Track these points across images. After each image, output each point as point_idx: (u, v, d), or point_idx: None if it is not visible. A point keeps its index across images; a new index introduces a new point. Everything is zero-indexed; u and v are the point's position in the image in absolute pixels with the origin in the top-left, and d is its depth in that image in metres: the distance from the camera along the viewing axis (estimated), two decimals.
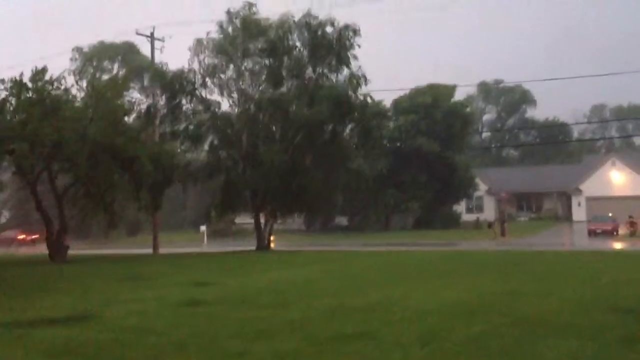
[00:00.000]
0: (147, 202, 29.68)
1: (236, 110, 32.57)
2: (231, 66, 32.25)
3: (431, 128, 53.94)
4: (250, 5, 31.73)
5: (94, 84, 29.56)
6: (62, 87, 26.51)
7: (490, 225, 45.48)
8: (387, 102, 51.81)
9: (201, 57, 32.09)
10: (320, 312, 9.76)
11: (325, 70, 32.14)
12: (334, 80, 32.28)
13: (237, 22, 31.69)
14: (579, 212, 59.52)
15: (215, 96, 32.56)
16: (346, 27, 31.32)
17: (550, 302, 10.48)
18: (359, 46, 31.59)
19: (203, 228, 44.83)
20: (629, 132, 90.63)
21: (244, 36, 31.51)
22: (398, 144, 54.84)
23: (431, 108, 54.99)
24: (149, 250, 34.31)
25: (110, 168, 25.50)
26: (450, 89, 58.32)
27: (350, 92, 31.68)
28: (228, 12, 31.83)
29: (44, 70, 25.69)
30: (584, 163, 66.39)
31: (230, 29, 31.92)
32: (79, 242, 44.23)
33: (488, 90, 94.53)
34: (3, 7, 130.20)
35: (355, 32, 31.37)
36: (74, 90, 27.69)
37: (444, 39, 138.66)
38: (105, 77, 49.17)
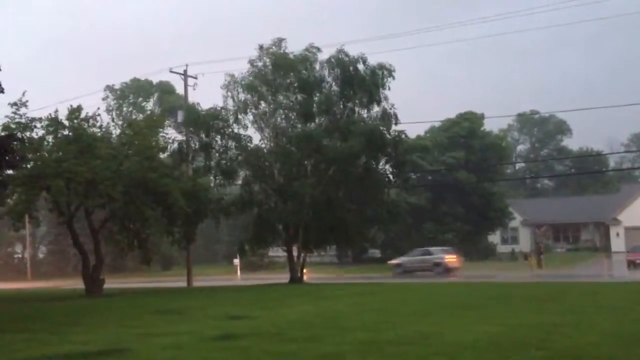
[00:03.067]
0: (181, 236, 29.96)
1: (268, 144, 32.87)
2: (263, 102, 32.61)
3: (468, 160, 53.89)
4: (280, 40, 32.19)
5: (130, 121, 30.18)
6: (98, 125, 27.17)
7: (526, 256, 44.86)
8: (420, 130, 52.36)
9: (233, 93, 32.58)
10: (353, 346, 9.66)
11: (357, 107, 32.28)
12: (365, 116, 32.41)
13: (267, 58, 32.08)
14: (617, 243, 58.25)
15: (247, 131, 32.95)
16: (380, 66, 31.46)
17: (589, 335, 10.24)
18: (389, 88, 31.73)
19: (236, 261, 44.99)
20: None
21: (274, 72, 31.87)
22: (430, 177, 54.83)
23: (469, 139, 55.04)
24: (183, 284, 34.49)
25: (144, 203, 25.82)
26: (480, 119, 58.22)
27: (382, 128, 31.74)
28: (260, 48, 32.31)
29: (79, 108, 26.37)
30: (621, 192, 65.17)
31: (261, 64, 32.35)
32: (114, 276, 44.70)
33: (524, 121, 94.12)
34: (39, 47, 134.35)
35: (390, 71, 31.47)
36: (109, 128, 28.38)
37: (480, 69, 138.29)
38: (140, 114, 50.18)
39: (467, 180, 52.66)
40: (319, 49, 32.11)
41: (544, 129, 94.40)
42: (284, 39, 32.25)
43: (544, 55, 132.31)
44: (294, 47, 32.53)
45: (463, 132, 55.91)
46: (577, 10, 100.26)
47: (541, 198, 78.74)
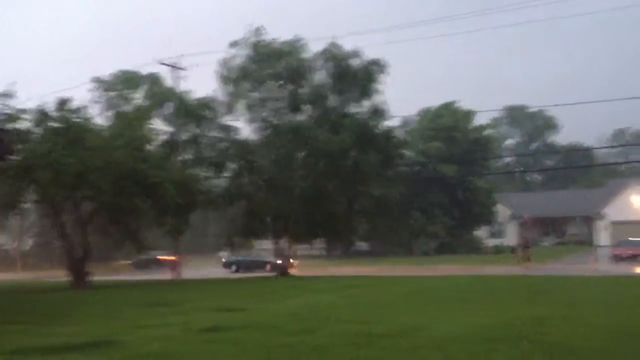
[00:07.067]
0: (171, 227, 29.85)
1: (257, 136, 32.83)
2: (250, 93, 32.52)
3: (452, 153, 53.94)
4: (259, 29, 31.90)
5: (119, 113, 30.04)
6: (86, 116, 27.00)
7: (513, 250, 45.06)
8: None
9: (220, 86, 32.47)
10: (345, 338, 9.66)
11: (349, 100, 32.27)
12: (356, 111, 32.43)
13: (248, 48, 31.85)
14: (603, 237, 58.78)
15: (236, 123, 32.87)
16: (374, 62, 31.43)
17: (579, 327, 10.29)
18: (382, 83, 31.85)
19: (224, 253, 44.92)
20: None
21: (258, 62, 31.73)
22: (417, 168, 54.87)
23: (452, 132, 55.13)
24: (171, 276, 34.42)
25: (134, 194, 25.70)
26: (469, 114, 58.50)
27: (373, 123, 31.81)
28: (234, 43, 31.98)
29: (68, 100, 26.20)
30: (607, 187, 65.69)
31: (241, 58, 32.17)
32: (101, 268, 44.52)
33: (513, 116, 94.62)
34: (27, 40, 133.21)
35: (382, 67, 31.48)
36: (97, 119, 28.25)
37: (470, 62, 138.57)
38: (128, 105, 49.81)
39: (451, 172, 52.73)
40: (304, 40, 31.99)
41: (533, 123, 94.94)
42: (262, 28, 31.98)
43: (536, 50, 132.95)
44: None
45: (446, 123, 56.05)
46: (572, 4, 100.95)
47: (529, 192, 79.17)
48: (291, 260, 35.43)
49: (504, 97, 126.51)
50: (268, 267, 39.57)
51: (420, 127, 57.72)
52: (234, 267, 42.29)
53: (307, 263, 44.18)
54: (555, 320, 11.28)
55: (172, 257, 42.80)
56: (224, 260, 43.92)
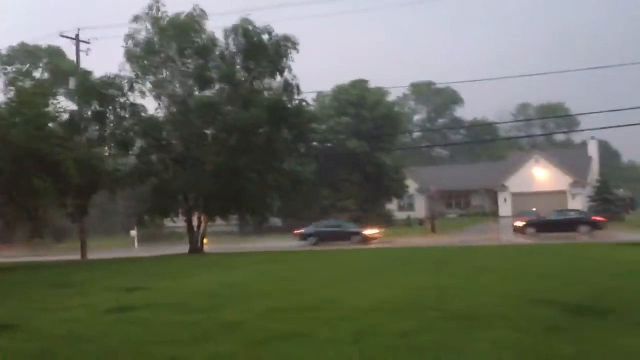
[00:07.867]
0: (74, 208, 28.84)
1: (165, 113, 32.11)
2: (157, 69, 31.71)
3: (361, 129, 54.71)
4: (157, 2, 30.99)
5: (18, 88, 28.59)
6: None
7: (421, 222, 46.46)
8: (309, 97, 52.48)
9: (126, 62, 31.47)
10: (255, 313, 9.72)
11: (260, 76, 32.02)
12: (267, 86, 32.27)
13: (150, 26, 31.02)
14: (504, 208, 61.36)
15: (144, 100, 31.98)
16: (285, 38, 31.33)
17: (479, 296, 10.76)
18: (293, 60, 31.63)
19: (133, 232, 43.97)
20: (551, 130, 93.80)
21: (162, 39, 30.99)
22: (328, 145, 55.36)
23: (359, 108, 55.87)
24: (77, 257, 33.42)
25: (34, 174, 24.63)
26: (379, 91, 59.38)
27: (284, 98, 31.77)
28: (135, 18, 31.09)
29: None
30: (509, 160, 68.44)
31: (145, 31, 31.30)
32: (1, 250, 42.71)
33: (420, 92, 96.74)
34: None
35: (294, 44, 31.41)
36: None
37: (377, 40, 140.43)
38: (28, 80, 47.59)
39: (359, 148, 53.55)
40: (203, 11, 31.27)
41: (440, 99, 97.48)
42: (159, 1, 31.09)
43: (441, 28, 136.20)
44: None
45: (352, 99, 56.77)
46: None
47: (436, 166, 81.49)
48: None
49: (414, 73, 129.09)
50: (356, 238, 36.55)
51: (331, 104, 58.18)
52: (313, 239, 37.65)
53: (218, 239, 43.97)
54: (457, 289, 11.76)
55: None
56: (301, 231, 39.26)
